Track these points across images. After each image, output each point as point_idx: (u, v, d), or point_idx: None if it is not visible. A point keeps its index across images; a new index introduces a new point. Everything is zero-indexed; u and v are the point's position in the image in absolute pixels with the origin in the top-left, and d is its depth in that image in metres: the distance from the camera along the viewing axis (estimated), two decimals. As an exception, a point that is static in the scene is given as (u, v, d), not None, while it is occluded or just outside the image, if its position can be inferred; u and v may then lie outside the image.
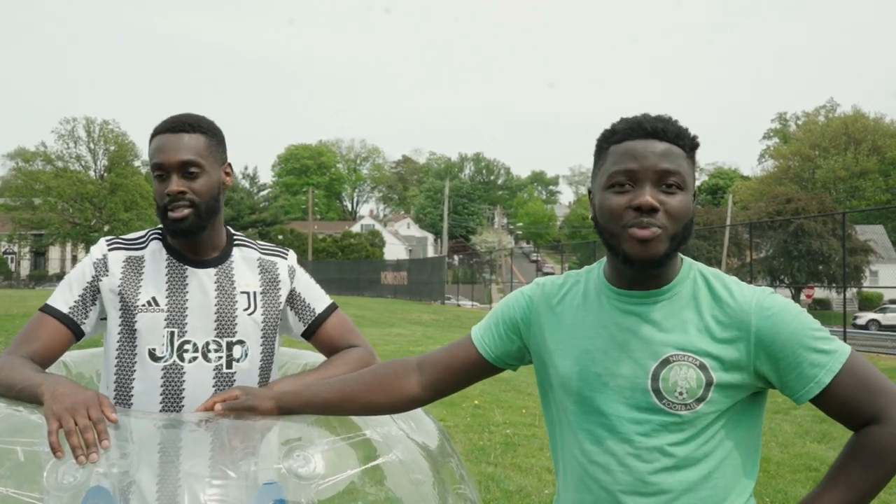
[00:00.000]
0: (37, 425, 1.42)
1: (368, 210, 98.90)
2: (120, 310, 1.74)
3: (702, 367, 1.32)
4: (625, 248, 1.32)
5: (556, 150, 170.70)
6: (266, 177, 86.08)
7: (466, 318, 26.27)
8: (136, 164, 65.01)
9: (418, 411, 1.80)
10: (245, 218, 54.83)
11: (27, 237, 60.50)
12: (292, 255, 1.94)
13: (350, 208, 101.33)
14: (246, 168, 65.12)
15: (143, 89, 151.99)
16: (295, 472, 1.44)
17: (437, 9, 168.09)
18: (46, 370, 1.68)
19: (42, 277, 60.96)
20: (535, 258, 74.08)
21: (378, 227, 75.98)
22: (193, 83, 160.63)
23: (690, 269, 1.41)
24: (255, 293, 1.82)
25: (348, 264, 54.42)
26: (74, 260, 65.06)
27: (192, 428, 1.50)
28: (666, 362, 1.33)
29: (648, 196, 1.30)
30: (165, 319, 1.73)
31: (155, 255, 1.80)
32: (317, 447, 1.50)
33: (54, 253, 64.58)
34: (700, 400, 1.32)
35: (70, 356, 2.35)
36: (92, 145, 61.19)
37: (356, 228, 74.16)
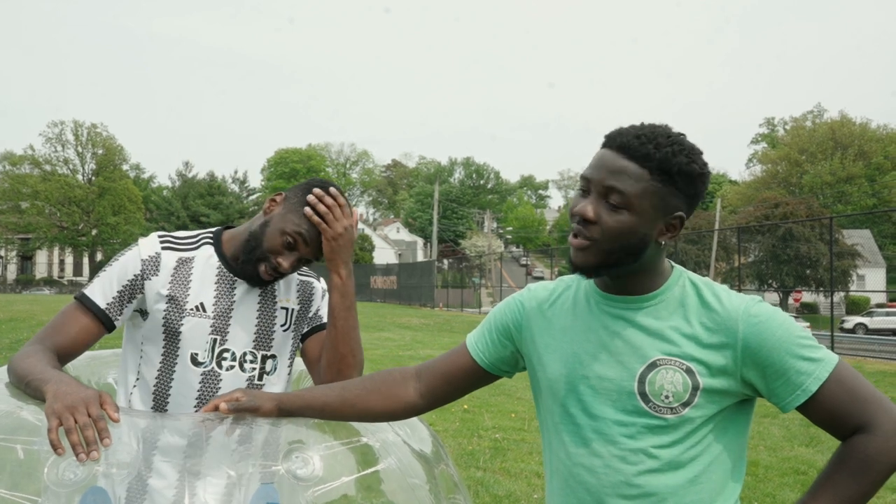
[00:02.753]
0: (34, 425, 1.43)
1: (358, 214, 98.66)
2: (165, 311, 1.75)
3: (688, 371, 1.32)
4: (570, 251, 1.37)
5: (545, 154, 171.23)
6: (255, 181, 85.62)
7: (456, 322, 26.26)
8: (125, 167, 64.80)
9: (413, 419, 1.82)
10: (234, 222, 54.65)
11: (14, 241, 60.11)
12: (323, 281, 2.00)
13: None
14: (235, 172, 65.03)
15: (130, 92, 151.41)
16: (294, 473, 1.46)
17: (434, 9, 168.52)
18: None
19: (29, 282, 60.51)
20: (524, 262, 74.29)
21: (368, 231, 75.73)
22: (181, 86, 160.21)
23: (680, 277, 1.42)
24: (292, 310, 1.88)
25: (338, 268, 54.14)
26: (62, 264, 64.72)
27: (194, 427, 1.51)
28: (653, 366, 1.34)
29: (588, 206, 1.33)
30: (211, 326, 1.76)
31: (206, 261, 1.81)
32: (316, 449, 1.52)
33: (41, 257, 64.10)
34: (686, 404, 1.32)
35: None
36: (80, 149, 60.93)
37: (346, 232, 73.69)
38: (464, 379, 1.57)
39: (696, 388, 1.32)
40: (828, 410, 1.30)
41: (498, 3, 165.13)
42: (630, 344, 1.37)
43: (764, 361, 1.31)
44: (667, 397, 1.32)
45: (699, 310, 1.36)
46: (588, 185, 1.34)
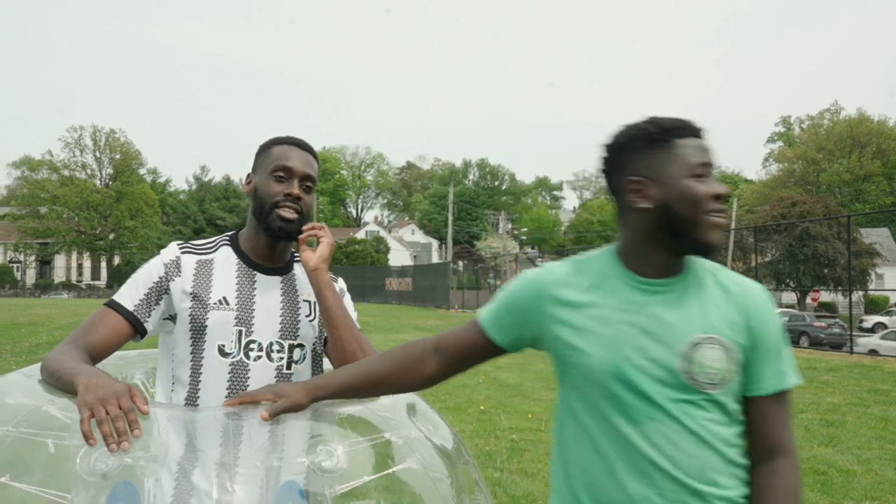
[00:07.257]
0: (62, 422, 1.47)
1: (373, 216, 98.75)
2: (191, 308, 1.82)
3: (726, 347, 1.43)
4: (704, 236, 1.45)
5: (559, 155, 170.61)
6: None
7: (472, 323, 26.22)
8: (142, 172, 65.30)
9: (436, 416, 1.90)
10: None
11: (33, 246, 60.74)
12: (341, 280, 2.07)
13: (355, 215, 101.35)
14: (250, 175, 65.15)
15: (147, 97, 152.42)
16: (319, 465, 1.49)
17: (436, 9, 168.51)
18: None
19: (48, 286, 61.12)
20: (539, 263, 73.92)
21: (383, 233, 75.86)
22: (196, 91, 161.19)
23: (696, 259, 1.53)
24: (314, 303, 1.94)
25: (353, 270, 54.42)
26: (80, 268, 65.31)
27: (222, 420, 1.55)
28: (695, 343, 1.43)
29: (720, 184, 1.46)
30: (235, 318, 1.82)
31: (225, 260, 1.91)
32: (340, 442, 1.56)
33: (60, 261, 64.73)
34: (727, 379, 1.43)
35: None
36: (98, 154, 61.49)
37: (361, 235, 74.04)
38: (480, 355, 1.63)
39: (734, 363, 1.43)
40: (769, 417, 1.46)
41: (498, 3, 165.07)
42: (670, 324, 1.44)
43: (758, 341, 1.46)
44: (710, 373, 1.41)
45: (722, 289, 1.49)
46: (710, 168, 1.47)
